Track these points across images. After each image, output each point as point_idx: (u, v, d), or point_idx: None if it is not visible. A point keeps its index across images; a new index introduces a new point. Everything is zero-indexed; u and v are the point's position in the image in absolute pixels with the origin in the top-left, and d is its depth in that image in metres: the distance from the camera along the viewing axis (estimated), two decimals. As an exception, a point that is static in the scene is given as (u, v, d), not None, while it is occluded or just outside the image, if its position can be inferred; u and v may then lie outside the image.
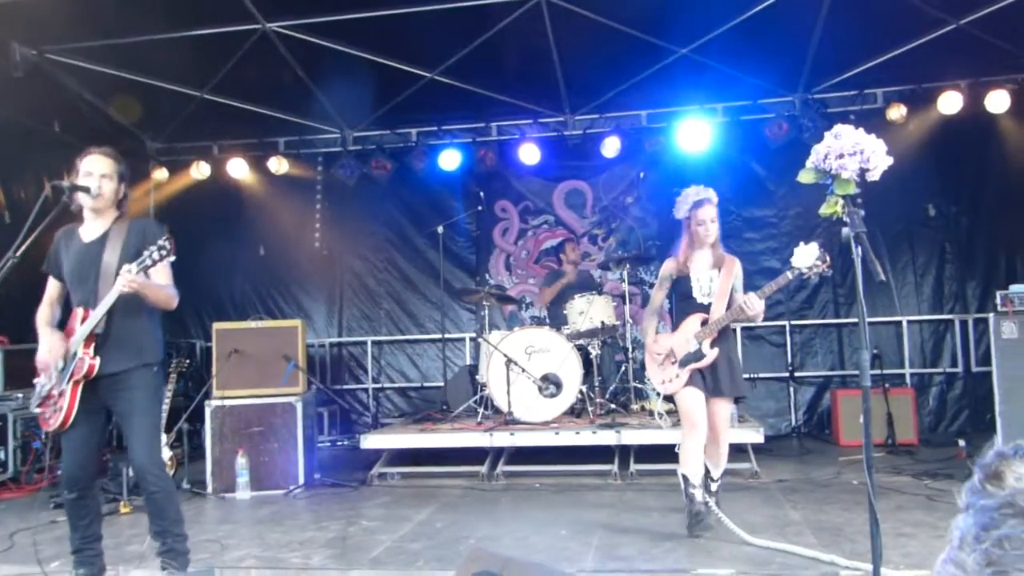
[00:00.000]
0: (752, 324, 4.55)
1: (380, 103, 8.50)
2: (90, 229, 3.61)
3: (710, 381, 4.35)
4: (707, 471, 4.50)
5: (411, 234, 9.24)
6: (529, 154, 8.48)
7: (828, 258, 3.92)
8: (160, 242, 3.29)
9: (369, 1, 6.68)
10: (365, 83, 7.99)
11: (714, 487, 4.56)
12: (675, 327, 4.54)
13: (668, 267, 4.55)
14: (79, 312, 3.50)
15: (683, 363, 4.36)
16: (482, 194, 8.36)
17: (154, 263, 3.30)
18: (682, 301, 4.52)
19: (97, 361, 3.43)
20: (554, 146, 8.71)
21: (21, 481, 6.34)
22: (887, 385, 7.01)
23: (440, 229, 7.82)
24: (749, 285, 4.51)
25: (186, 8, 6.70)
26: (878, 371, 7.11)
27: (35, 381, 3.61)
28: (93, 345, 3.44)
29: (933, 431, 7.79)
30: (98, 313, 3.40)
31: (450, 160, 8.65)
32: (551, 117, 8.73)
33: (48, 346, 3.52)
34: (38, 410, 3.57)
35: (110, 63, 7.61)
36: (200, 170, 9.02)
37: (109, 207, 3.59)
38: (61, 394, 3.44)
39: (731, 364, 4.40)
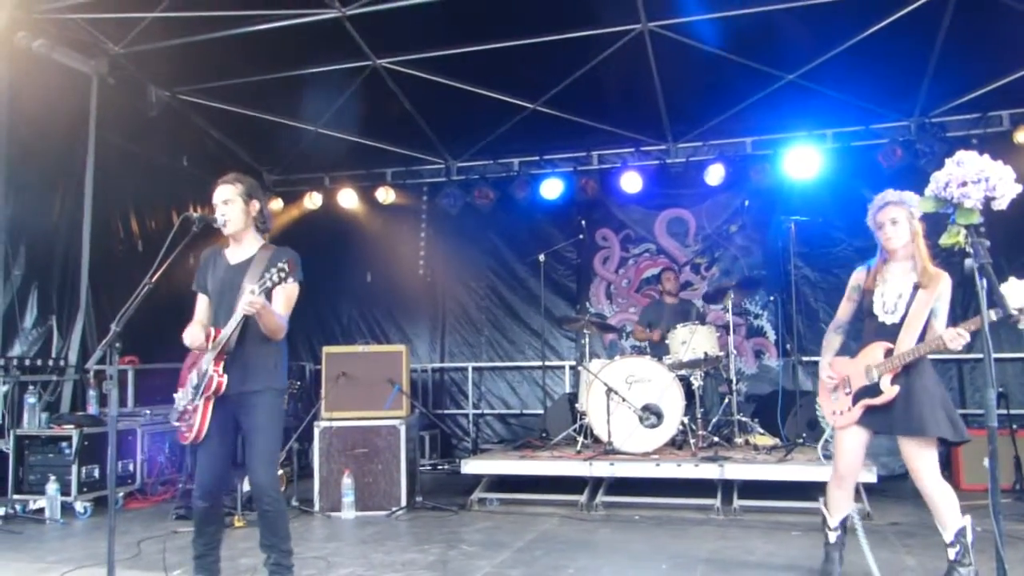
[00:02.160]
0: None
1: (484, 134, 8.72)
2: (236, 252, 3.82)
3: (883, 416, 3.75)
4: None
5: (512, 262, 9.36)
6: (631, 182, 8.48)
7: None
8: (280, 264, 3.42)
9: (474, 35, 6.90)
10: (469, 114, 8.22)
11: (951, 554, 3.70)
12: (857, 349, 3.95)
13: (857, 277, 4.01)
14: (212, 331, 3.69)
15: (857, 396, 3.83)
16: (583, 223, 8.38)
17: (274, 285, 3.44)
18: (864, 319, 3.93)
19: (225, 379, 3.61)
20: (656, 174, 8.69)
21: (147, 492, 6.73)
22: (1015, 426, 6.57)
23: (541, 258, 7.88)
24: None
25: (302, 47, 7.09)
26: (1005, 411, 6.68)
27: (175, 396, 3.82)
28: (223, 363, 3.63)
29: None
30: (226, 332, 3.58)
31: (552, 189, 8.74)
32: (653, 145, 8.72)
33: (190, 364, 3.74)
34: (177, 423, 3.78)
35: (232, 101, 8.13)
36: (313, 200, 9.48)
37: (244, 229, 3.77)
38: (195, 409, 3.64)
39: (911, 398, 3.68)
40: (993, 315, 3.19)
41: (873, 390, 3.75)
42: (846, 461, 3.88)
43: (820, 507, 4.10)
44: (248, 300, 3.42)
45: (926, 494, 3.72)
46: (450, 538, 5.27)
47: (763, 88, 7.42)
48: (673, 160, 8.69)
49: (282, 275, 3.42)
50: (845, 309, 4.04)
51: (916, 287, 3.73)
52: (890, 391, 3.70)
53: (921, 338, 3.68)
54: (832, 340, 4.06)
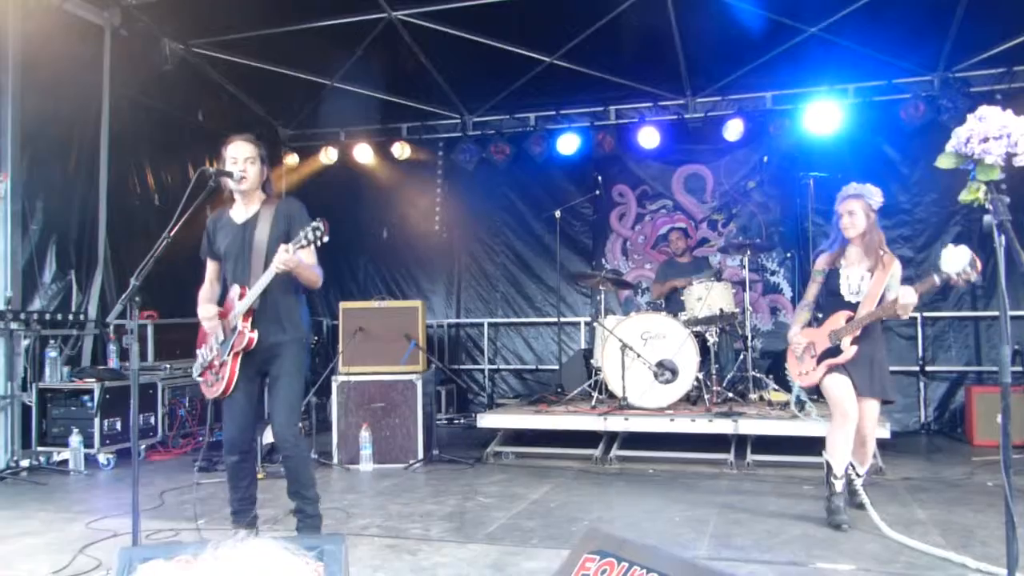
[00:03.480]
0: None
1: (500, 88, 8.63)
2: (240, 211, 3.87)
3: (859, 381, 4.28)
4: (852, 466, 4.44)
5: (528, 218, 9.34)
6: (648, 138, 8.40)
7: (980, 264, 3.64)
8: (315, 223, 3.49)
9: (491, -13, 6.79)
10: (485, 69, 8.14)
11: (859, 483, 4.50)
12: (820, 322, 4.50)
13: (820, 261, 4.50)
14: (235, 289, 3.76)
15: (821, 358, 4.35)
16: (600, 178, 8.31)
17: (309, 243, 3.51)
18: (830, 297, 4.44)
19: (255, 334, 3.69)
20: (674, 129, 8.59)
21: (168, 444, 6.88)
22: (1029, 383, 6.57)
23: (557, 214, 7.86)
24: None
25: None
26: (1019, 368, 6.67)
27: (197, 351, 3.89)
28: (251, 319, 3.70)
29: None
30: (256, 290, 3.65)
31: (568, 144, 8.68)
32: (671, 100, 8.61)
33: (208, 323, 3.80)
34: (200, 378, 3.87)
35: (247, 55, 8.09)
36: (328, 155, 9.46)
37: (255, 189, 3.84)
38: (223, 364, 3.71)
39: (873, 364, 4.32)
40: (936, 279, 3.82)
41: (835, 351, 4.30)
42: (847, 400, 4.24)
43: (824, 459, 4.35)
44: (283, 259, 3.50)
45: (868, 447, 4.48)
46: (466, 490, 5.37)
47: (785, 41, 7.28)
48: (691, 115, 8.58)
49: (318, 234, 3.49)
50: (812, 290, 4.53)
51: (872, 270, 4.28)
52: (849, 350, 4.25)
53: None
54: (801, 315, 4.56)
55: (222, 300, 3.88)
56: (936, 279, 3.83)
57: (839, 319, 4.34)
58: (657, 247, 8.94)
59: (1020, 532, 2.75)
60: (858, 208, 4.28)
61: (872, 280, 4.27)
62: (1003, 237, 2.67)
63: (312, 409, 6.77)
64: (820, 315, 4.57)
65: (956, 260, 3.58)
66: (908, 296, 4.01)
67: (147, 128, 7.78)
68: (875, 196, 4.31)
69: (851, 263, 4.36)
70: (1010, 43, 7.11)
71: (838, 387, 4.27)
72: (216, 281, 3.97)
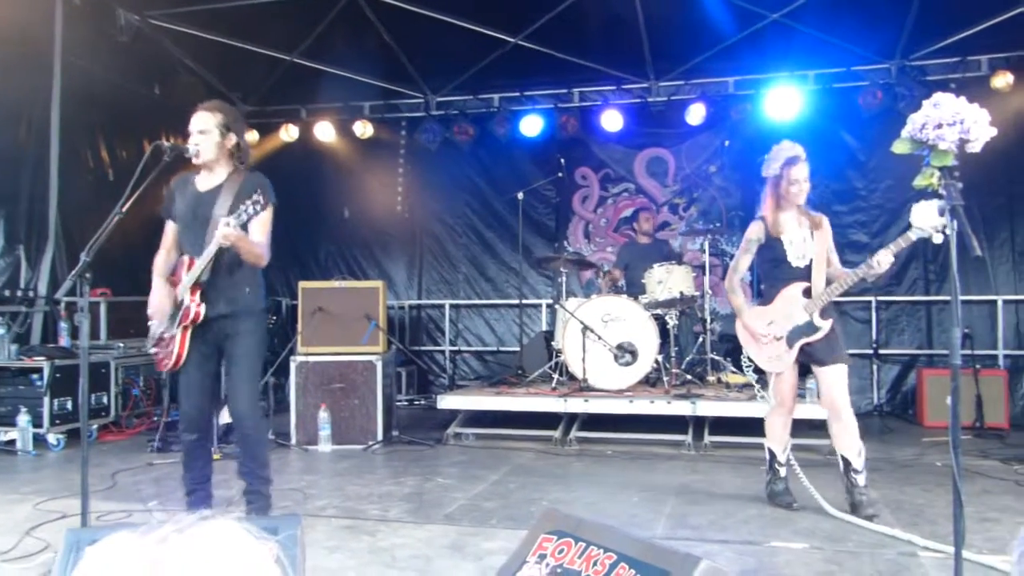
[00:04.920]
0: (837, 299, 4.22)
1: (464, 68, 8.56)
2: (206, 179, 3.74)
3: (819, 352, 4.08)
4: (847, 462, 4.12)
5: (491, 200, 9.30)
6: (611, 121, 8.41)
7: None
8: (255, 196, 3.39)
9: (455, -35, 6.71)
10: (449, 48, 8.05)
11: (861, 480, 4.11)
12: (766, 296, 4.26)
13: (756, 230, 4.21)
14: (185, 260, 3.67)
15: (791, 338, 4.09)
16: (563, 161, 8.29)
17: (249, 218, 3.41)
18: (774, 268, 4.20)
19: (203, 308, 3.61)
20: (637, 113, 8.61)
21: (122, 425, 6.75)
22: (978, 366, 6.75)
23: (520, 195, 7.83)
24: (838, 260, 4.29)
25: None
26: (969, 351, 6.84)
27: (149, 324, 3.79)
28: (199, 292, 3.61)
29: (1026, 416, 7.48)
30: (201, 263, 3.55)
31: (532, 126, 8.65)
32: (635, 83, 8.62)
33: (158, 296, 3.70)
34: (154, 350, 3.78)
35: (205, 27, 7.88)
36: (289, 133, 9.30)
37: (216, 160, 3.69)
38: (172, 338, 3.64)
39: (832, 331, 4.08)
40: (912, 236, 3.51)
41: (806, 329, 4.05)
42: (790, 393, 4.25)
43: (766, 448, 4.40)
44: (223, 233, 3.38)
45: (844, 420, 4.08)
46: (426, 471, 5.36)
47: (747, 26, 7.32)
48: (654, 99, 8.60)
49: (257, 207, 3.38)
50: (744, 261, 4.31)
51: (812, 231, 4.12)
52: (824, 326, 4.02)
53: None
54: (741, 292, 4.33)
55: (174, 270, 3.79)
56: (912, 236, 3.51)
57: (795, 291, 4.10)
58: (619, 230, 8.97)
59: (967, 511, 2.82)
60: (808, 173, 4.13)
61: (815, 243, 4.11)
62: (955, 222, 2.72)
63: (270, 389, 6.69)
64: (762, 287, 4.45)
65: (928, 214, 3.29)
66: (886, 263, 3.78)
67: (101, 101, 7.54)
68: (804, 154, 4.16)
69: (788, 228, 4.15)
70: (964, 33, 7.25)
71: (789, 378, 4.21)
72: (174, 248, 3.81)
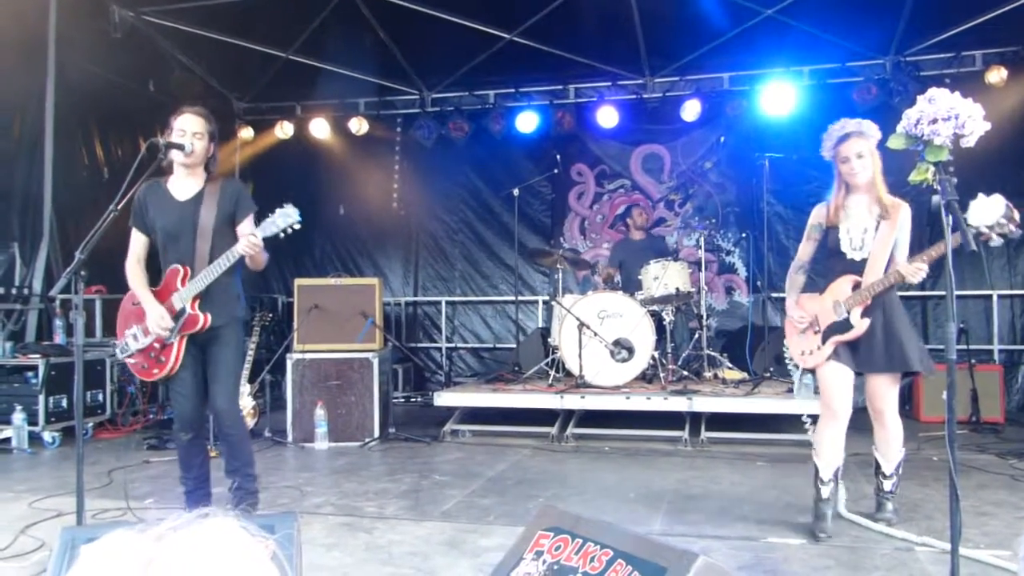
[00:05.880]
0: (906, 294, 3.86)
1: (459, 64, 8.55)
2: (182, 187, 3.74)
3: (864, 354, 3.67)
4: (878, 465, 3.89)
5: (487, 196, 9.30)
6: (607, 117, 8.41)
7: (1017, 215, 3.10)
8: (288, 212, 3.48)
9: (450, -40, 6.70)
10: (444, 44, 8.05)
11: (887, 485, 3.86)
12: (824, 288, 3.84)
13: (817, 214, 3.85)
14: (179, 270, 3.66)
15: (826, 334, 3.72)
16: (559, 157, 8.31)
17: (285, 234, 3.51)
18: (830, 257, 3.80)
19: (209, 316, 3.64)
20: (632, 109, 8.61)
21: (117, 423, 6.73)
22: (973, 361, 6.76)
23: (516, 192, 7.82)
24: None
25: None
26: (964, 346, 6.86)
27: (126, 332, 3.75)
28: (199, 302, 3.64)
29: (1022, 410, 7.50)
30: (213, 271, 3.57)
31: (527, 122, 8.65)
32: (630, 79, 8.62)
33: (155, 309, 3.63)
34: (131, 360, 3.76)
35: (200, 24, 7.86)
36: (284, 130, 9.29)
37: (199, 165, 3.73)
38: (166, 347, 3.63)
39: (890, 333, 3.65)
40: (958, 238, 2.97)
41: (842, 326, 3.68)
42: (839, 397, 3.70)
43: (813, 460, 3.86)
44: (253, 242, 3.50)
45: (888, 428, 3.79)
46: (423, 468, 5.36)
47: (742, 23, 7.34)
48: (650, 95, 8.60)
49: (295, 229, 3.51)
50: (806, 249, 3.92)
51: (880, 220, 3.65)
52: (860, 325, 3.63)
53: (885, 271, 3.65)
54: (796, 280, 3.94)
55: (155, 280, 3.77)
56: (959, 238, 2.86)
57: (844, 286, 3.69)
58: (615, 226, 8.97)
59: (964, 505, 2.83)
60: (866, 149, 3.64)
61: (877, 233, 3.65)
62: (950, 217, 2.72)
63: (266, 387, 6.68)
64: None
65: (989, 211, 3.07)
66: (917, 276, 3.52)
67: (95, 98, 7.51)
68: (876, 132, 3.68)
69: (853, 215, 3.72)
70: (959, 28, 7.27)
71: (834, 378, 3.70)
72: (143, 259, 3.79)
